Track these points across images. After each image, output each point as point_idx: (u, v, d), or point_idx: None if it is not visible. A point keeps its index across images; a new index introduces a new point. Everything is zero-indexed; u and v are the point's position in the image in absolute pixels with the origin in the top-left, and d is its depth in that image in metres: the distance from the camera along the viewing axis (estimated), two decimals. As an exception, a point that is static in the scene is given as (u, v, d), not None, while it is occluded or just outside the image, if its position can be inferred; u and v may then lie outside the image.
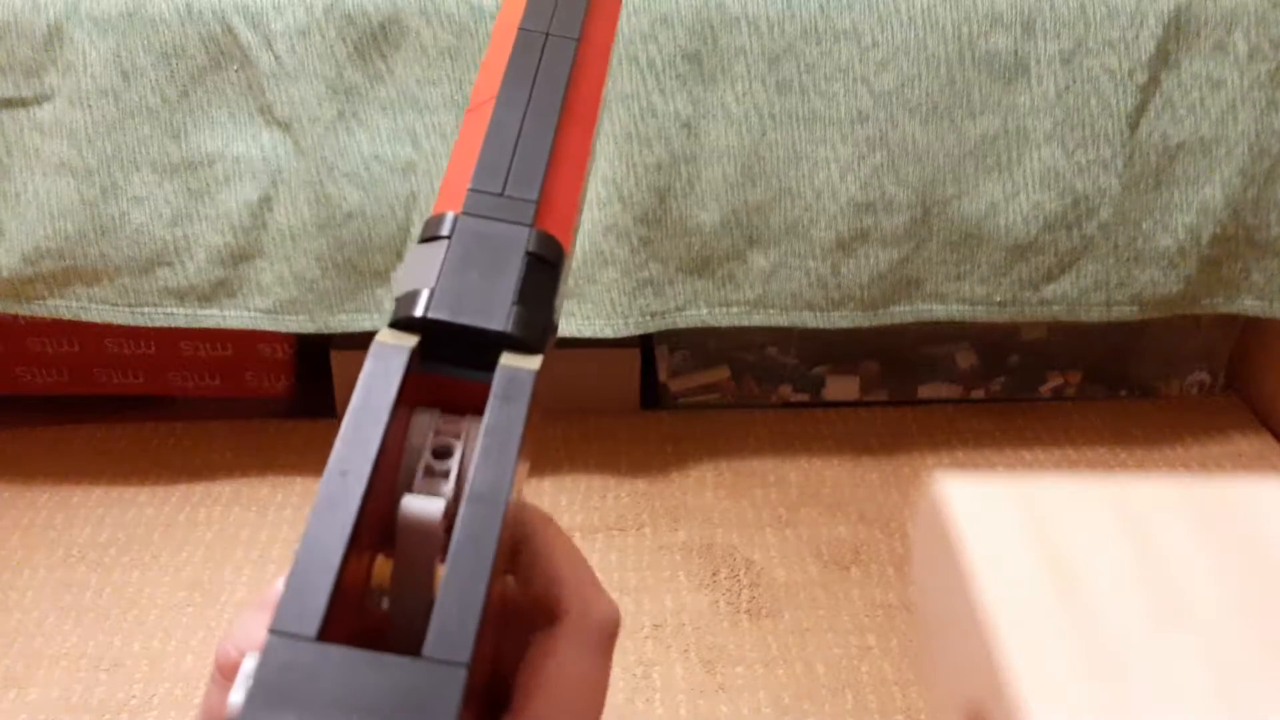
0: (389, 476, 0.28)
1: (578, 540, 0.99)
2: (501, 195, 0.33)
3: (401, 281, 0.32)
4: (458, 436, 0.30)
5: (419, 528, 0.28)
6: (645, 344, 1.14)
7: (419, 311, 0.30)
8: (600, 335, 0.93)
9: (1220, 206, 0.92)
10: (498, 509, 0.26)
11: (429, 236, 0.32)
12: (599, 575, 0.34)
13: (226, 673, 0.32)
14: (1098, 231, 0.92)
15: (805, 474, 1.07)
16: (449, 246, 0.32)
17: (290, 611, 0.24)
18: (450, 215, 0.32)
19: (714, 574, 0.95)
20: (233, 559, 0.95)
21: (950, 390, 1.17)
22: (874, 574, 0.96)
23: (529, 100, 0.35)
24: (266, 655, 0.23)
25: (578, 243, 0.91)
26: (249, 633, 0.32)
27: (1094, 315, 0.96)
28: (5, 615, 0.89)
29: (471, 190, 0.33)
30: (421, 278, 0.31)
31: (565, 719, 0.29)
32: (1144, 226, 0.93)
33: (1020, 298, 0.95)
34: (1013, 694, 0.14)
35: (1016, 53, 0.88)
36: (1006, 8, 0.87)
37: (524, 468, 0.30)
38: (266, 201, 0.89)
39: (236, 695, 0.24)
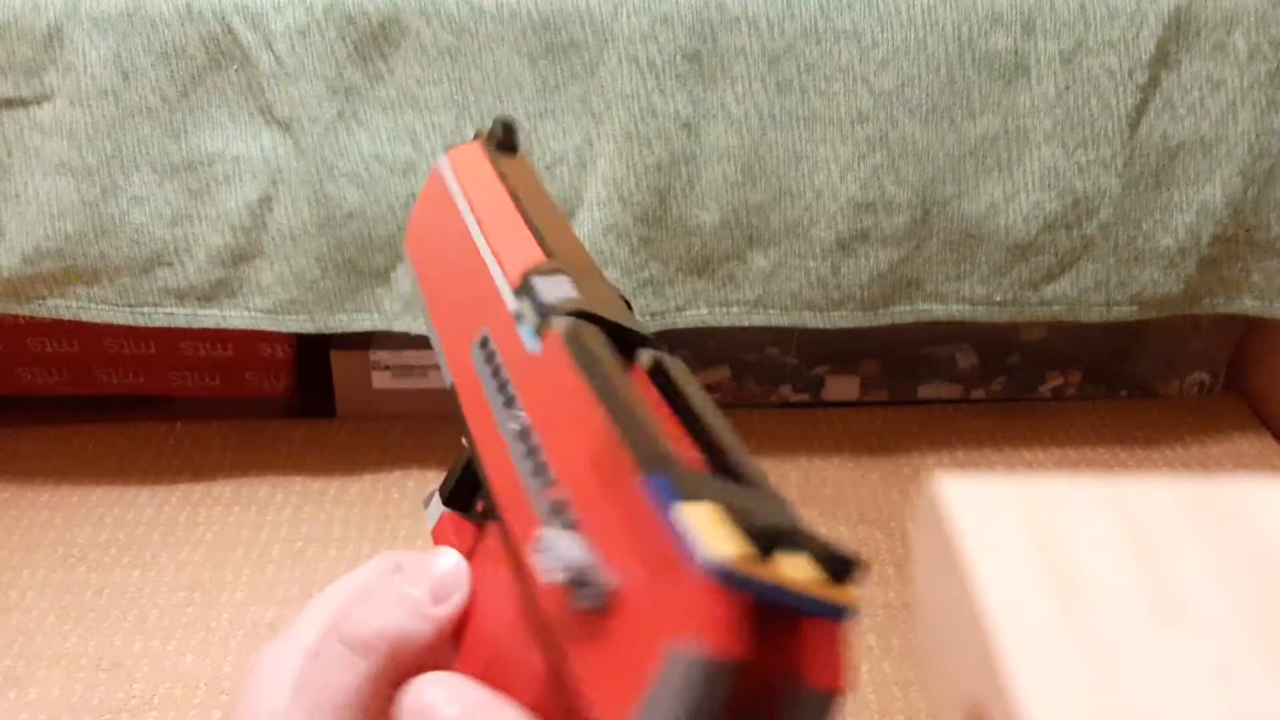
0: None
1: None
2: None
3: (547, 292, 0.36)
4: None
5: None
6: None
7: (578, 309, 0.36)
8: (600, 335, 0.93)
9: (1220, 206, 0.92)
10: None
11: (553, 270, 0.38)
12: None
13: (380, 649, 0.34)
14: (1098, 231, 0.92)
15: (805, 474, 1.07)
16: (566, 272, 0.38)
17: None
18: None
19: (714, 574, 0.95)
20: (233, 559, 0.95)
21: (950, 390, 1.17)
22: (874, 574, 0.96)
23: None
24: None
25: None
26: (376, 614, 0.34)
27: (1094, 315, 0.96)
28: (5, 615, 0.89)
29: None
30: (561, 288, 0.37)
31: None
32: (1144, 226, 0.93)
33: (1020, 298, 0.95)
34: (1013, 694, 0.14)
35: (1016, 53, 0.88)
36: (1006, 8, 0.87)
37: None
38: (266, 201, 0.89)
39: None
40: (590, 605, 0.29)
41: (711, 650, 0.25)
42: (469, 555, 0.38)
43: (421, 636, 0.34)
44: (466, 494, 0.41)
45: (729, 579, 0.25)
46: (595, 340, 0.34)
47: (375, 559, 0.40)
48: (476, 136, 0.46)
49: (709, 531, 0.25)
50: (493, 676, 0.34)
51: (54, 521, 0.99)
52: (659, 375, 0.35)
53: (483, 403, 0.38)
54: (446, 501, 0.40)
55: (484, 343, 0.39)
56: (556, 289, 0.37)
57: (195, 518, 1.00)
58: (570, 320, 0.35)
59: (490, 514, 0.40)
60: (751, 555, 0.25)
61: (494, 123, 0.46)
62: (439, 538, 0.40)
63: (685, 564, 0.25)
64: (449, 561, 0.36)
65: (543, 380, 0.36)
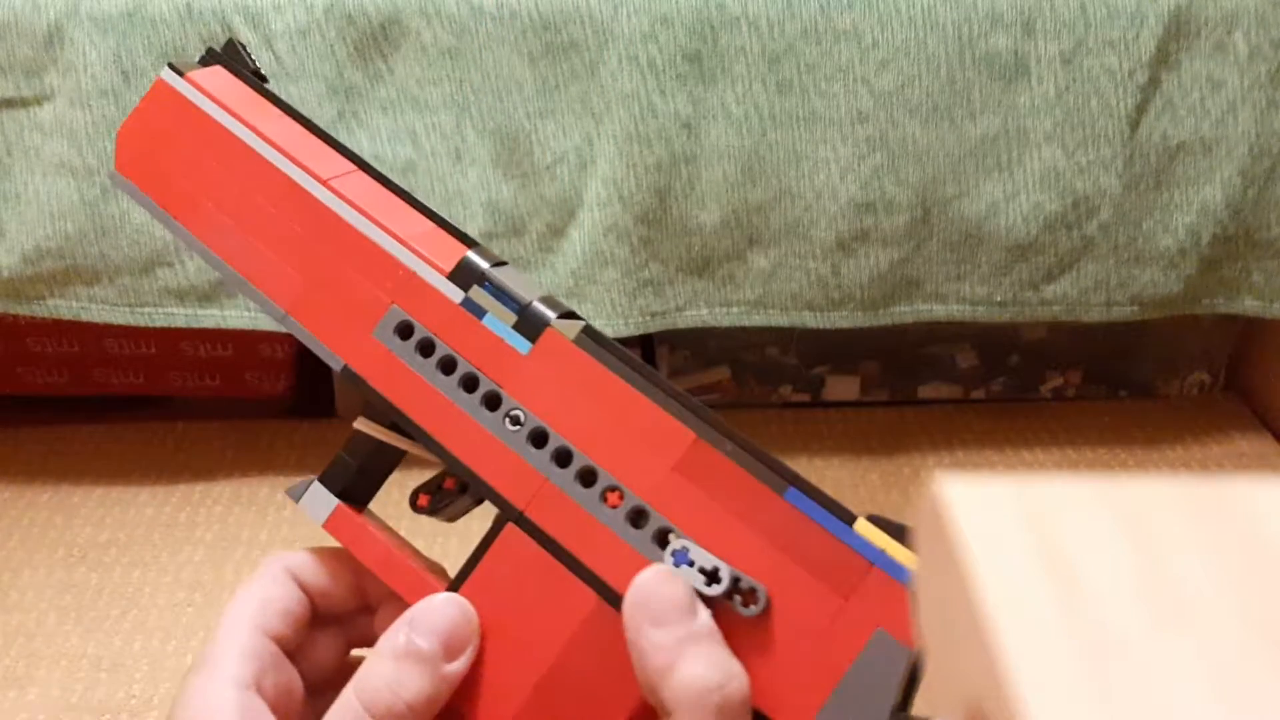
0: None
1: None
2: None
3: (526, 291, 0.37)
4: None
5: None
6: (646, 344, 1.14)
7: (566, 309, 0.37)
8: (600, 335, 0.93)
9: (1220, 206, 0.92)
10: None
11: (497, 262, 0.38)
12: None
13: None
14: (1098, 231, 0.92)
15: (805, 474, 1.05)
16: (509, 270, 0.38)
17: None
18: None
19: (714, 574, 0.95)
20: (233, 559, 0.95)
21: (950, 390, 1.17)
22: (874, 574, 0.96)
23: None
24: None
25: (578, 243, 0.91)
26: (401, 682, 0.33)
27: (1094, 315, 0.96)
28: (5, 615, 0.89)
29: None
30: (523, 281, 0.37)
31: None
32: (1144, 226, 0.93)
33: (1020, 298, 0.95)
34: (1013, 694, 0.14)
35: (1017, 53, 0.88)
36: (1006, 8, 0.87)
37: None
38: (266, 201, 0.89)
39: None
40: (754, 612, 0.31)
41: (910, 640, 0.30)
42: (371, 545, 0.37)
43: (441, 698, 0.34)
44: (368, 486, 0.40)
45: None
46: (619, 346, 0.35)
47: (265, 565, 0.39)
48: (205, 59, 0.41)
49: (890, 546, 0.31)
50: (561, 690, 0.33)
51: (54, 521, 0.99)
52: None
53: (432, 396, 0.37)
54: (342, 494, 0.39)
55: (405, 330, 0.37)
56: (522, 283, 0.37)
57: (195, 518, 1.00)
58: (577, 324, 0.36)
59: (437, 509, 0.39)
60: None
61: (229, 44, 0.41)
62: (341, 533, 0.38)
63: (876, 574, 0.31)
64: (457, 609, 0.34)
65: (545, 381, 0.35)
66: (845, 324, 0.95)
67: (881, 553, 0.31)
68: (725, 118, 0.88)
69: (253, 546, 0.97)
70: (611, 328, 0.93)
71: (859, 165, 0.89)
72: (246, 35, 0.86)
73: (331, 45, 0.86)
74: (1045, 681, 0.14)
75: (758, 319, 0.95)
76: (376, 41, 0.87)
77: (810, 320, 0.95)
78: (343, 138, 0.88)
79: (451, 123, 0.89)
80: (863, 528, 0.31)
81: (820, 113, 0.88)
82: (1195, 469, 1.09)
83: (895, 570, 0.30)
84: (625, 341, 1.08)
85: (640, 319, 0.94)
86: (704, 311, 0.95)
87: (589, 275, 0.92)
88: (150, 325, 0.92)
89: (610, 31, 0.86)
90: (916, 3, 0.87)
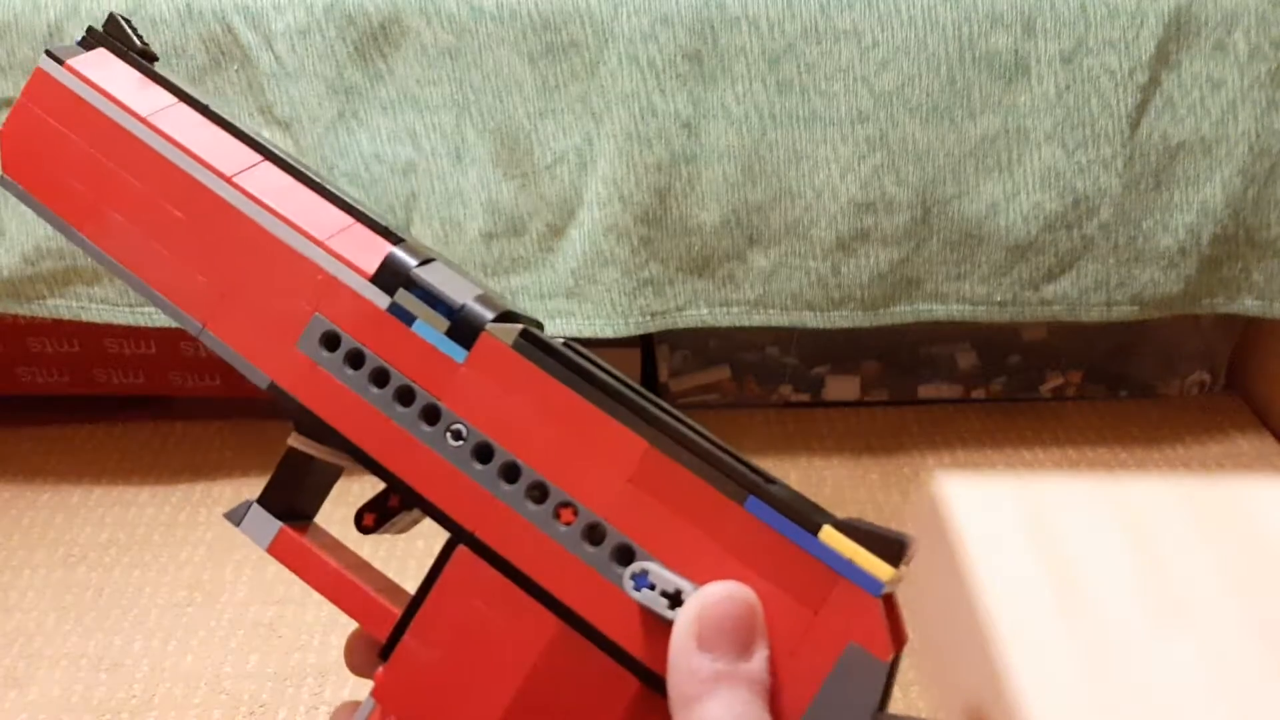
0: None
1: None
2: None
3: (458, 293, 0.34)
4: None
5: None
6: (646, 344, 1.14)
7: (504, 308, 0.34)
8: (600, 335, 0.93)
9: (1220, 206, 0.92)
10: None
11: (424, 259, 0.34)
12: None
13: None
14: (1098, 231, 0.92)
15: (805, 474, 1.06)
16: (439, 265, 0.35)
17: None
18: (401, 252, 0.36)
19: (714, 574, 0.95)
20: (233, 559, 0.95)
21: (950, 390, 1.17)
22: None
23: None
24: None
25: (578, 243, 0.91)
26: None
27: (1094, 315, 0.96)
28: (5, 615, 0.89)
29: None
30: (453, 281, 0.34)
31: None
32: (1144, 226, 0.93)
33: (1020, 298, 0.95)
34: (1013, 694, 0.14)
35: (1017, 52, 0.88)
36: (1006, 8, 0.87)
37: None
38: (266, 201, 0.89)
39: None
40: None
41: (884, 653, 0.28)
42: (317, 569, 0.35)
43: None
44: (310, 502, 0.37)
45: (886, 594, 0.29)
46: (562, 349, 0.33)
47: None
48: (89, 41, 0.37)
49: (863, 558, 0.29)
50: (531, 713, 0.32)
51: (54, 521, 0.99)
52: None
53: (367, 412, 0.34)
54: (283, 514, 0.36)
55: (330, 340, 0.35)
56: (452, 284, 0.34)
57: (195, 518, 1.00)
58: (514, 328, 0.33)
59: (379, 526, 0.36)
60: (895, 575, 0.29)
61: (111, 20, 0.37)
62: (285, 557, 0.35)
63: (844, 585, 0.29)
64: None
65: (485, 391, 0.33)
66: (845, 324, 0.95)
67: (849, 563, 0.29)
68: (725, 117, 0.88)
69: (252, 547, 0.96)
70: (612, 327, 0.93)
71: (859, 165, 0.89)
72: (247, 35, 0.86)
73: (331, 45, 0.86)
74: (1045, 681, 0.14)
75: (758, 319, 0.95)
76: (376, 41, 0.87)
77: (810, 320, 0.95)
78: (343, 138, 0.88)
79: (451, 122, 0.89)
80: (829, 536, 0.29)
81: (820, 112, 0.88)
82: (1195, 469, 1.09)
83: (864, 580, 0.29)
84: (625, 341, 1.08)
85: (640, 319, 0.94)
86: (704, 311, 0.95)
87: (589, 275, 0.92)
88: (150, 325, 0.92)
89: (610, 31, 0.86)
90: (916, 3, 0.87)
